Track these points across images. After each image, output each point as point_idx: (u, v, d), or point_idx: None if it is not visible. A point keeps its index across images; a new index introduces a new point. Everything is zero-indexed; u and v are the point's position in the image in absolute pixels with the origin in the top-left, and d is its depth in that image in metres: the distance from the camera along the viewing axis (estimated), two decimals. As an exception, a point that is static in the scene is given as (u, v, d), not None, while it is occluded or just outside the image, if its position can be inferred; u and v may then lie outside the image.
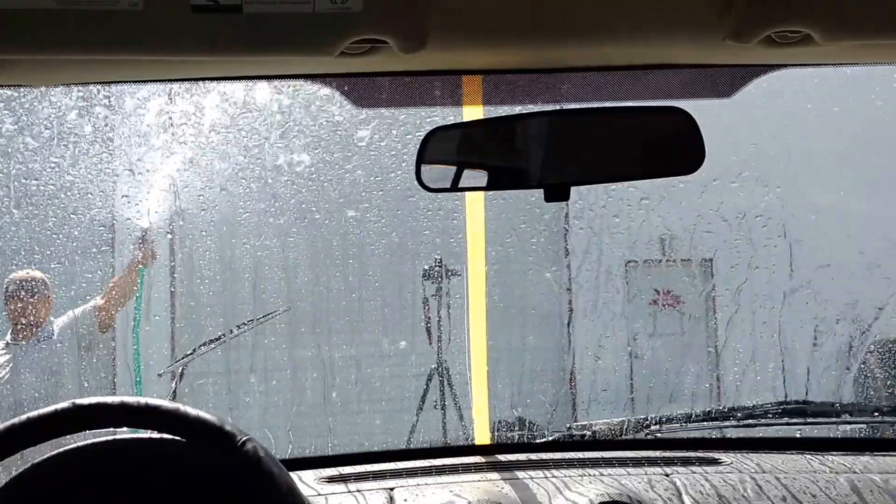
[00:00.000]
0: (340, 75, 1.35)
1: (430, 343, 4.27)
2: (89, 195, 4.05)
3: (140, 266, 3.93)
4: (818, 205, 4.56)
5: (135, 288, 3.95)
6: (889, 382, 3.61)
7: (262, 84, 3.89)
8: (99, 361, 3.93)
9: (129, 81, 1.33)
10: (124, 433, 1.33)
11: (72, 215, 4.03)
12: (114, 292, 3.95)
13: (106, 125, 4.09)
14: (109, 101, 4.07)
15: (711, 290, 4.77)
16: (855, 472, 1.78)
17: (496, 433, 3.52)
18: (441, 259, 4.28)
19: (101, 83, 1.61)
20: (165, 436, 1.28)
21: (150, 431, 1.30)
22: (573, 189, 1.36)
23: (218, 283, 4.53)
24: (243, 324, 4.20)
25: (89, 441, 1.31)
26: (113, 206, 4.16)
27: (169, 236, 4.37)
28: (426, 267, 4.31)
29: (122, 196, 4.12)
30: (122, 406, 1.24)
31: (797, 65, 1.28)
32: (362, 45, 1.07)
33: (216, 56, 1.09)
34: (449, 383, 4.20)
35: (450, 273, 4.24)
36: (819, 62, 1.30)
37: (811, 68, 1.36)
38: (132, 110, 4.17)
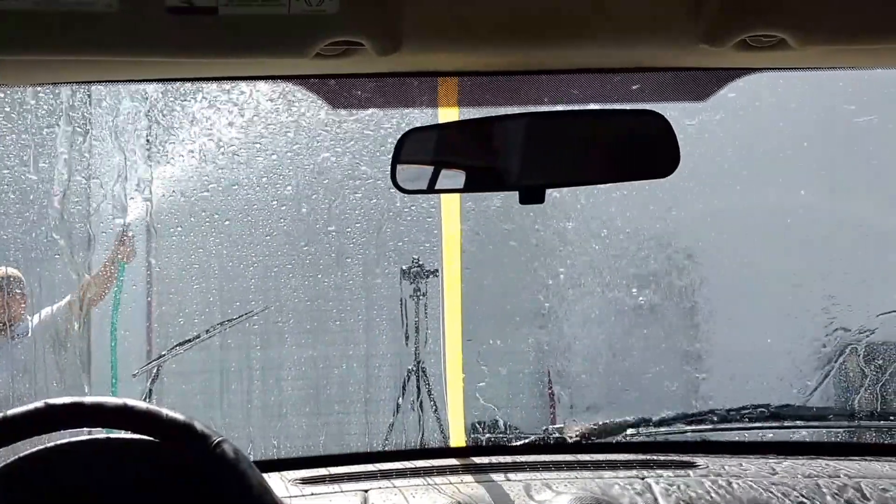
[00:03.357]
0: (316, 76, 1.36)
1: (407, 345, 4.27)
2: (66, 191, 4.02)
3: (120, 261, 3.89)
4: (799, 207, 4.59)
5: (112, 283, 3.91)
6: (866, 387, 3.65)
7: (242, 84, 3.88)
8: (74, 359, 3.90)
9: (105, 81, 1.33)
10: (99, 433, 1.33)
11: (48, 211, 4.00)
12: (90, 288, 3.90)
13: (83, 120, 4.06)
14: (88, 97, 4.04)
15: (692, 293, 4.79)
16: (830, 477, 1.80)
17: (472, 435, 3.53)
18: (418, 259, 4.28)
19: (76, 83, 1.61)
20: (139, 436, 1.28)
21: (124, 432, 1.30)
22: (554, 190, 1.37)
23: (195, 281, 4.50)
24: (220, 323, 4.18)
25: (63, 441, 1.30)
26: (90, 203, 4.13)
27: (147, 233, 4.34)
28: (404, 267, 4.30)
29: (100, 192, 4.10)
30: (97, 406, 1.25)
31: (772, 69, 1.29)
32: (338, 47, 1.07)
33: (192, 57, 1.09)
34: (427, 386, 4.20)
35: (427, 273, 4.24)
36: (794, 66, 1.31)
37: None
38: (111, 106, 4.14)
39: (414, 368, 4.22)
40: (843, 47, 1.13)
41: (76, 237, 4.07)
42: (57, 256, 4.03)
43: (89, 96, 4.03)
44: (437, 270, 4.16)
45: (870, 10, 1.02)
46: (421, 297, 4.22)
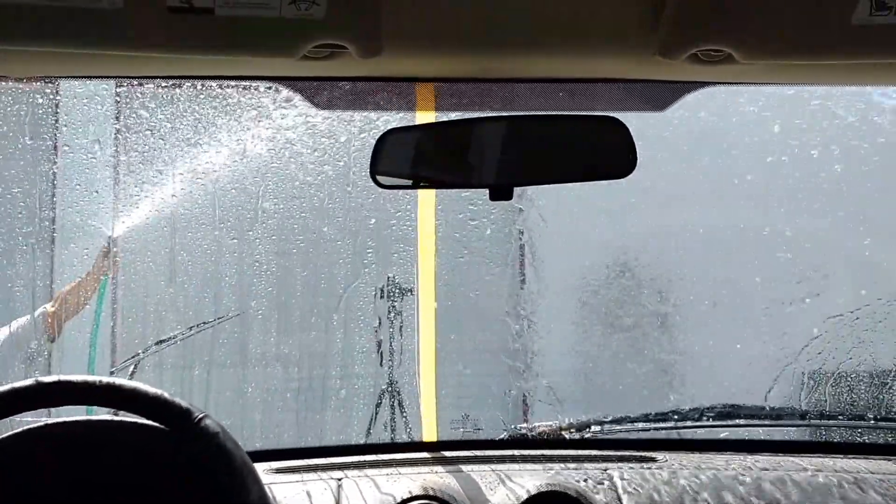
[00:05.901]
0: (302, 78, 1.43)
1: (382, 364, 4.29)
2: (28, 200, 3.99)
3: (103, 274, 3.83)
4: (766, 220, 4.67)
5: (91, 297, 3.85)
6: (816, 388, 3.75)
7: (218, 89, 3.91)
8: (44, 372, 3.86)
9: (104, 77, 1.39)
10: (82, 414, 1.39)
11: (7, 220, 3.96)
12: (67, 300, 3.82)
13: (48, 125, 4.04)
14: (56, 94, 4.01)
15: (659, 301, 4.86)
16: (785, 471, 1.88)
17: (443, 431, 3.57)
18: (394, 277, 4.30)
19: (76, 77, 1.66)
20: (124, 417, 1.33)
21: (109, 411, 1.35)
22: (541, 193, 1.46)
23: (176, 287, 4.50)
24: (194, 326, 4.20)
25: (50, 421, 1.35)
26: (53, 212, 4.10)
27: (119, 240, 4.32)
28: (380, 286, 4.33)
29: (65, 200, 4.07)
30: (84, 384, 1.29)
31: (722, 82, 1.37)
32: (323, 50, 1.15)
33: (188, 55, 1.16)
34: (398, 397, 4.21)
35: (404, 291, 4.27)
36: (742, 81, 1.39)
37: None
38: (80, 111, 4.13)
39: (388, 387, 4.23)
40: (785, 62, 1.19)
41: (48, 247, 4.04)
42: (18, 267, 3.99)
43: (59, 95, 4.01)
44: (412, 289, 4.19)
45: (810, 29, 1.09)
46: (399, 310, 4.25)
